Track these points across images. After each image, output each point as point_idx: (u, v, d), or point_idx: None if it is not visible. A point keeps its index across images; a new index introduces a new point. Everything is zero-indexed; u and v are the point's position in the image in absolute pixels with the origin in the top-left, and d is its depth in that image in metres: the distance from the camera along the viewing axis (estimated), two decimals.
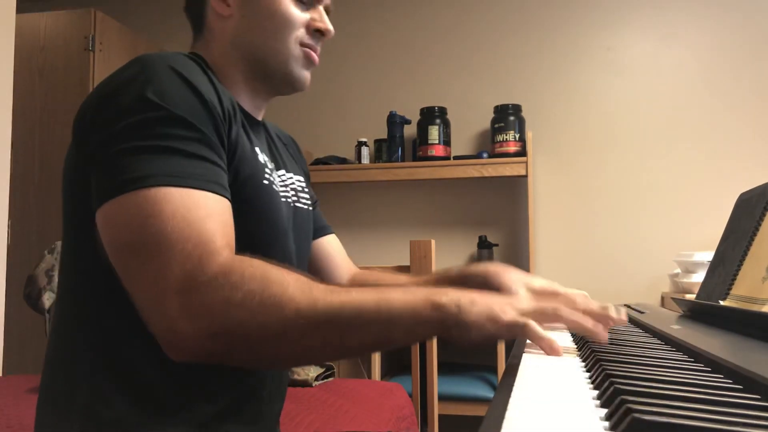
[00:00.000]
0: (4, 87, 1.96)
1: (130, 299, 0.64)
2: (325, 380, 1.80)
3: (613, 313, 0.68)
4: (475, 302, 0.63)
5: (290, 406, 1.44)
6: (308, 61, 0.86)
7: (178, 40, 3.41)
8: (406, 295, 0.63)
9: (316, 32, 0.86)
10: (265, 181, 0.79)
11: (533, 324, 0.62)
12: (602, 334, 0.65)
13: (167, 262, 0.60)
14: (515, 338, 0.66)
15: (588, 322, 0.65)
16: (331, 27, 0.88)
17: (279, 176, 0.88)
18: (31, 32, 2.84)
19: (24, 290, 1.97)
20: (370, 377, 1.96)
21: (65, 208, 0.76)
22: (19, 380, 1.74)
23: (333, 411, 1.45)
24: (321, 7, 0.88)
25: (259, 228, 0.78)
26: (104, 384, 0.71)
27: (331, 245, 1.08)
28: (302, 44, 0.85)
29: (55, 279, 1.93)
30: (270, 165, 0.83)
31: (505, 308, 0.63)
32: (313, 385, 1.73)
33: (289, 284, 0.61)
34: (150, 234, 0.61)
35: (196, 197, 0.63)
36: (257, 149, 0.81)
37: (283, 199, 0.85)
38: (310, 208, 0.97)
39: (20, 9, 2.07)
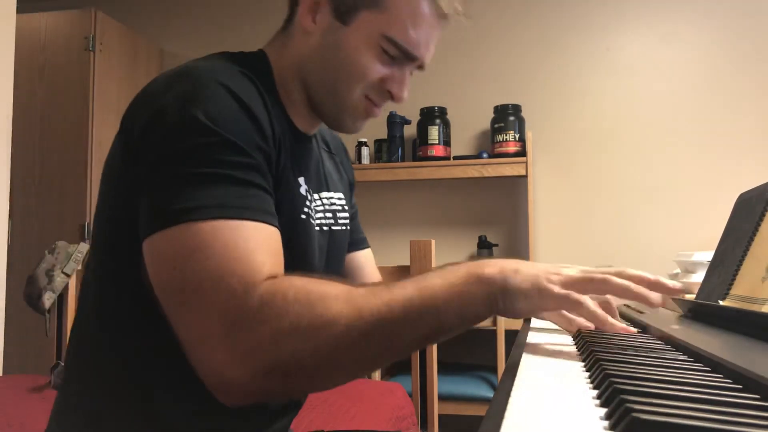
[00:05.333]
0: (4, 87, 1.96)
1: (152, 327, 0.63)
2: None
3: (667, 281, 0.64)
4: (520, 270, 0.60)
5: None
6: (366, 116, 0.81)
7: (178, 40, 3.42)
8: (446, 276, 0.60)
9: (386, 92, 0.79)
10: (303, 216, 0.76)
11: (586, 300, 0.59)
12: (657, 298, 0.61)
13: (213, 303, 0.57)
14: (563, 310, 0.63)
15: (640, 288, 0.61)
16: (404, 95, 0.80)
17: (317, 201, 0.85)
18: (31, 32, 2.84)
19: (24, 290, 1.97)
20: (370, 377, 1.96)
21: (103, 226, 0.72)
22: (19, 380, 1.74)
23: (333, 410, 1.45)
24: (408, 69, 0.79)
25: (291, 262, 0.75)
26: (120, 411, 0.70)
27: (363, 260, 1.05)
28: (367, 96, 0.79)
29: (56, 279, 1.93)
30: (310, 195, 0.80)
31: (551, 276, 0.60)
32: None
33: (333, 299, 0.58)
34: (194, 271, 0.58)
35: (246, 229, 0.60)
36: (301, 179, 0.77)
37: (318, 228, 0.82)
38: (347, 228, 0.94)
39: (20, 9, 2.07)
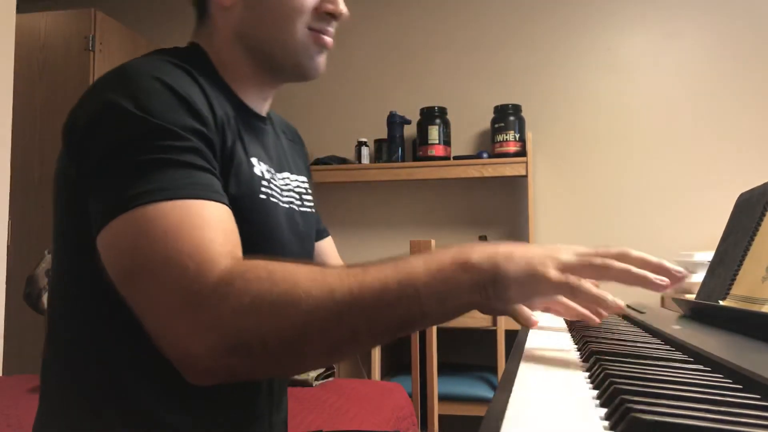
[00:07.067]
0: (4, 87, 1.96)
1: (127, 324, 0.62)
2: (325, 380, 1.80)
3: (671, 266, 0.60)
4: (513, 256, 0.55)
5: (290, 405, 1.43)
6: (320, 47, 0.80)
7: (178, 40, 3.40)
8: (429, 261, 0.56)
9: (327, 15, 0.79)
10: (262, 195, 0.75)
11: (585, 283, 0.54)
12: (663, 283, 0.57)
13: (164, 282, 0.56)
14: (562, 296, 0.58)
15: (643, 272, 0.57)
16: (343, 8, 0.80)
17: (281, 179, 0.84)
18: (31, 32, 2.84)
19: (24, 290, 1.97)
20: (370, 377, 1.96)
21: (58, 228, 0.73)
22: (19, 380, 1.74)
23: (333, 411, 1.45)
24: None
25: (257, 244, 0.74)
26: (105, 411, 0.69)
27: (326, 250, 1.05)
28: (311, 28, 0.78)
29: None
30: (269, 173, 0.79)
31: (546, 261, 0.56)
32: (314, 385, 1.73)
33: (299, 278, 0.56)
34: (144, 255, 0.57)
35: (191, 207, 0.60)
36: (254, 159, 0.76)
37: (286, 206, 0.82)
38: (314, 210, 0.94)
39: (20, 9, 2.07)
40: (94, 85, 0.69)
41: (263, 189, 0.76)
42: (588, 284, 0.56)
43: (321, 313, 0.54)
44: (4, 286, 1.94)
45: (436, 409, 1.64)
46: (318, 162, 2.91)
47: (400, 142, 2.88)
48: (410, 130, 2.93)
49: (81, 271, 0.69)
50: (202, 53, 0.80)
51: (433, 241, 1.54)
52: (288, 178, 0.87)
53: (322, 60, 0.82)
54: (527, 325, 0.66)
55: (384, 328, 0.57)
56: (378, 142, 2.92)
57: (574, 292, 0.56)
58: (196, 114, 0.66)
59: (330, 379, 1.83)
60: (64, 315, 0.73)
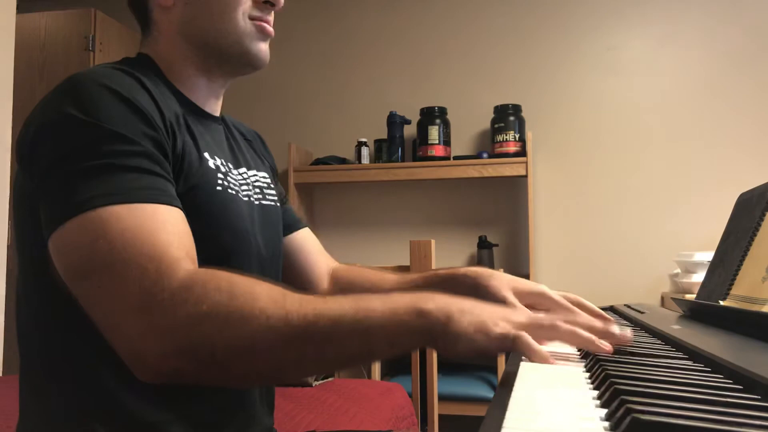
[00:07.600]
0: (4, 87, 1.96)
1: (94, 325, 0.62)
2: (325, 380, 1.80)
3: (616, 329, 0.62)
4: (466, 312, 0.57)
5: (290, 405, 1.44)
6: (262, 35, 0.83)
7: None
8: (388, 302, 0.58)
9: (264, 3, 0.83)
10: (219, 188, 0.76)
11: (525, 336, 0.57)
12: (606, 347, 0.60)
13: (123, 282, 0.58)
14: (507, 351, 0.59)
15: (590, 337, 0.60)
16: None
17: (240, 174, 0.85)
18: (31, 32, 2.84)
19: None
20: (370, 377, 1.96)
21: (21, 241, 0.74)
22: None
23: (333, 411, 1.45)
24: None
25: (220, 235, 0.75)
26: (82, 414, 0.69)
27: (305, 240, 1.04)
28: (251, 18, 0.82)
29: None
30: (224, 168, 0.80)
31: (498, 320, 0.58)
32: (313, 385, 1.73)
33: (259, 296, 0.58)
34: (101, 256, 0.58)
35: (145, 211, 0.61)
36: (206, 154, 0.77)
37: (246, 199, 0.83)
38: (278, 204, 0.95)
39: (20, 9, 2.07)
40: (44, 97, 0.70)
41: (219, 181, 0.77)
42: (529, 340, 0.57)
43: (272, 334, 0.56)
44: (4, 286, 1.94)
45: (436, 409, 1.65)
46: (318, 162, 2.91)
47: (400, 142, 2.88)
48: (410, 130, 2.93)
49: (47, 281, 0.69)
50: (149, 60, 0.83)
51: (432, 241, 1.54)
52: (246, 173, 0.88)
53: (265, 47, 0.85)
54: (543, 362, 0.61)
55: (330, 359, 0.59)
56: (378, 142, 2.92)
57: (516, 346, 0.57)
58: (145, 118, 0.68)
59: (330, 379, 1.83)
60: (34, 323, 0.73)
